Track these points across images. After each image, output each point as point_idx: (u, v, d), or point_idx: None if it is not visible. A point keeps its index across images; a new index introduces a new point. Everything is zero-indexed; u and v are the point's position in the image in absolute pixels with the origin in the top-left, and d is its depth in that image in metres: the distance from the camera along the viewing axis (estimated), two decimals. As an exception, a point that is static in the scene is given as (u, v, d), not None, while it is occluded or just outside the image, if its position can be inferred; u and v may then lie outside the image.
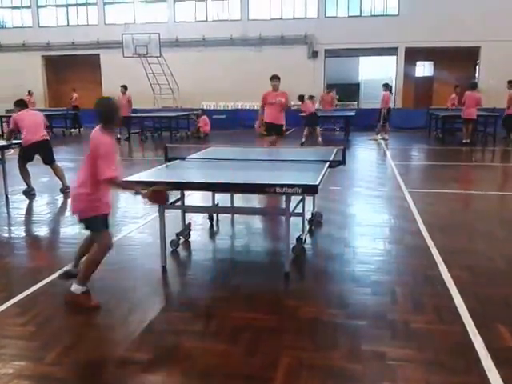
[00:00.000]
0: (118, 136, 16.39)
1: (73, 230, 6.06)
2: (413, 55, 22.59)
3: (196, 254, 5.45)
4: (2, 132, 18.09)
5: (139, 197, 4.09)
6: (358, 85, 25.77)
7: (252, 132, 18.05)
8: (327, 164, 5.22)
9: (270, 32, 22.42)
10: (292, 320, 3.77)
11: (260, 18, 23.13)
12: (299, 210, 5.42)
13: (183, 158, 5.89)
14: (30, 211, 7.56)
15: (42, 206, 7.81)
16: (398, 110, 20.40)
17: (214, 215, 6.57)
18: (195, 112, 18.70)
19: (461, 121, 15.24)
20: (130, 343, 3.46)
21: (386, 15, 22.19)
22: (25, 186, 8.29)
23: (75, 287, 4.04)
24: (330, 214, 6.71)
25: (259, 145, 14.52)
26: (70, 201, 4.33)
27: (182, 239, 5.60)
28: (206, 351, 3.34)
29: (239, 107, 22.64)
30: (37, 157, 8.39)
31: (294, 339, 3.48)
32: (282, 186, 4.21)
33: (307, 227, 6.03)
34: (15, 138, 8.54)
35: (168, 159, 5.76)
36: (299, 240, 5.33)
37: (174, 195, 5.61)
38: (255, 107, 21.43)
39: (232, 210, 6.75)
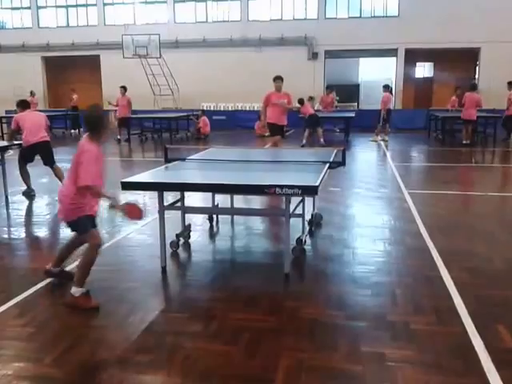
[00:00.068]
0: (118, 137, 16.43)
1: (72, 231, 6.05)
2: (413, 56, 22.62)
3: (196, 255, 5.44)
4: (2, 133, 18.08)
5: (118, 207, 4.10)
6: (357, 86, 25.78)
7: (252, 133, 18.16)
8: (327, 165, 5.22)
9: (270, 33, 22.44)
10: (292, 321, 3.77)
11: (260, 19, 23.16)
12: (299, 211, 5.42)
13: (183, 159, 5.88)
14: (29, 212, 7.56)
15: (41, 206, 7.80)
16: (397, 111, 20.42)
17: (214, 216, 6.57)
18: (195, 113, 18.70)
19: (461, 122, 15.25)
20: (129, 344, 3.46)
21: (386, 16, 22.22)
22: (25, 187, 8.30)
23: (74, 290, 4.06)
24: (330, 215, 6.71)
25: (259, 145, 14.55)
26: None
27: (181, 240, 5.60)
28: (206, 352, 3.34)
29: (239, 108, 22.67)
30: (37, 157, 8.39)
31: (293, 340, 3.47)
32: (281, 186, 4.20)
33: (307, 228, 6.03)
34: (15, 139, 8.55)
35: (168, 160, 5.76)
36: (299, 241, 5.33)
37: (174, 196, 5.63)
38: (255, 108, 21.52)
39: (232, 210, 6.76)
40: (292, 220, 4.86)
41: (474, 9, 20.38)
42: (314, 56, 22.62)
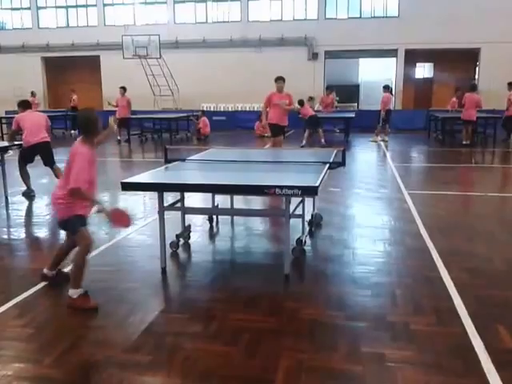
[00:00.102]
0: (118, 138, 16.42)
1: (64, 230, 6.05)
2: (413, 57, 22.63)
3: (196, 256, 5.44)
4: (1, 133, 18.08)
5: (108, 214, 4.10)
6: (357, 86, 25.80)
7: (252, 133, 18.16)
8: (327, 165, 5.22)
9: (270, 33, 22.46)
10: (292, 322, 3.77)
11: (260, 20, 23.18)
12: (299, 211, 5.42)
13: (183, 160, 5.88)
14: (29, 212, 7.56)
15: (41, 207, 7.80)
16: (397, 111, 20.43)
17: (214, 217, 6.57)
18: (195, 113, 18.70)
19: (461, 122, 15.25)
20: (129, 345, 3.45)
21: (386, 17, 22.24)
22: (24, 188, 8.30)
23: (71, 292, 4.08)
24: (330, 216, 6.71)
25: (259, 146, 14.55)
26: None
27: (181, 241, 5.61)
28: (206, 353, 3.34)
29: (239, 109, 22.68)
30: (37, 158, 8.39)
31: (293, 341, 3.47)
32: (281, 187, 4.20)
33: (307, 229, 6.03)
34: (15, 140, 8.54)
35: (168, 161, 5.76)
36: (299, 242, 5.33)
37: (173, 197, 5.63)
38: (255, 109, 21.53)
39: (232, 211, 6.76)
40: (292, 220, 4.86)
41: (473, 9, 20.40)
42: (313, 56, 22.63)
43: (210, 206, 6.40)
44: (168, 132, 17.56)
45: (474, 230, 6.23)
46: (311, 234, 6.06)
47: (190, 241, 5.78)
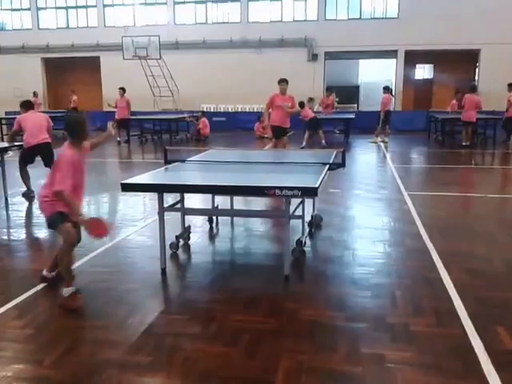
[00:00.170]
0: (118, 139, 16.42)
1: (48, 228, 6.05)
2: (412, 58, 22.65)
3: (195, 257, 5.44)
4: (1, 134, 18.07)
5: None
6: (357, 87, 25.82)
7: (251, 134, 18.17)
8: (327, 166, 5.22)
9: (270, 34, 22.47)
10: (292, 322, 3.77)
11: (260, 21, 23.19)
12: (299, 212, 5.42)
13: (183, 161, 5.88)
14: (29, 213, 7.56)
15: (41, 208, 7.79)
16: (397, 112, 20.43)
17: (214, 218, 6.57)
18: (195, 114, 18.69)
19: (460, 123, 15.25)
20: (129, 346, 3.45)
21: (386, 18, 22.25)
22: (24, 188, 8.29)
23: (63, 290, 4.13)
24: (330, 217, 6.71)
25: (259, 147, 14.55)
26: None
27: (181, 242, 5.61)
28: (206, 354, 3.34)
29: (239, 109, 22.68)
30: (37, 159, 8.39)
31: (293, 342, 3.47)
32: (281, 188, 4.20)
33: (307, 230, 6.03)
34: (15, 140, 8.54)
35: (168, 161, 5.76)
36: (299, 242, 5.33)
37: (173, 198, 5.63)
38: (255, 109, 21.53)
39: (232, 212, 6.76)
40: (292, 221, 4.86)
41: (473, 10, 20.41)
42: (313, 57, 22.64)
43: (209, 206, 6.41)
44: (168, 133, 17.56)
45: (474, 231, 6.23)
46: (311, 234, 6.06)
47: (189, 242, 5.78)
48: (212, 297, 4.33)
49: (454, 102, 17.56)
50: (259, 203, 7.59)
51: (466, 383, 3.00)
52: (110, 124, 4.82)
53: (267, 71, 20.94)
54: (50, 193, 4.08)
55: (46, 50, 24.77)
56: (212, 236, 6.24)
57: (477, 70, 22.40)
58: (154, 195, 4.98)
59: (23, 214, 7.50)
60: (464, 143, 14.80)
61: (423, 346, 3.38)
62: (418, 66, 24.48)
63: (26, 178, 8.33)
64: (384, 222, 6.68)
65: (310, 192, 4.40)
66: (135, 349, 3.41)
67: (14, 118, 8.62)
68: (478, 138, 16.04)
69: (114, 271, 4.88)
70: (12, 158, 9.21)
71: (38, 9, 25.21)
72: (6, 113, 20.42)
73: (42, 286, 4.45)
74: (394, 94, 18.32)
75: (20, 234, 6.43)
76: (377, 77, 24.01)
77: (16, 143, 8.42)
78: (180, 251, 5.45)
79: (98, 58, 24.27)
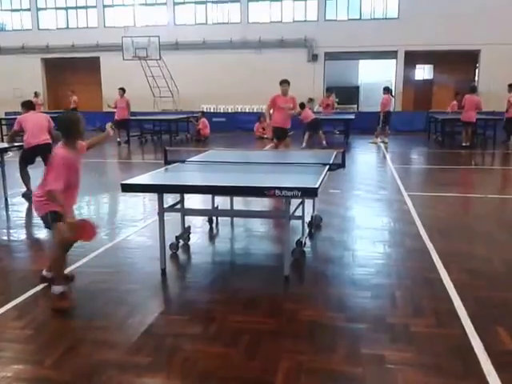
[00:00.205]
0: (118, 139, 16.41)
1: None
2: (412, 58, 22.65)
3: (195, 257, 5.44)
4: (1, 135, 18.07)
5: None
6: (357, 88, 25.82)
7: (251, 135, 18.17)
8: (327, 167, 5.22)
9: (270, 35, 22.47)
10: (291, 323, 3.77)
11: (260, 21, 23.19)
12: (299, 213, 5.42)
13: (183, 161, 5.88)
14: (29, 214, 7.54)
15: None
16: (397, 113, 20.42)
17: (214, 218, 6.57)
18: (195, 115, 18.69)
19: (460, 124, 15.25)
20: (129, 346, 3.45)
21: (386, 18, 22.25)
22: (24, 189, 8.29)
23: (53, 288, 4.14)
24: (330, 217, 6.71)
25: (258, 147, 14.55)
26: None
27: (181, 242, 5.61)
28: (206, 354, 3.34)
29: (239, 110, 22.68)
30: (38, 159, 8.38)
31: (293, 342, 3.47)
32: (281, 188, 4.20)
33: (307, 230, 6.03)
34: (15, 141, 8.53)
35: (167, 162, 5.76)
36: (299, 243, 5.33)
37: (173, 198, 5.63)
38: (255, 110, 21.53)
39: (231, 212, 6.76)
40: (292, 222, 4.85)
41: (473, 11, 20.41)
42: (313, 58, 22.64)
43: (209, 207, 6.41)
44: (168, 133, 17.56)
45: (474, 232, 6.23)
46: (311, 235, 6.06)
47: (189, 242, 5.77)
48: (212, 297, 4.33)
49: (455, 102, 17.57)
50: (259, 204, 7.59)
51: (465, 383, 3.00)
52: (108, 125, 4.82)
53: (267, 72, 20.95)
54: (43, 193, 4.09)
55: (45, 51, 24.77)
56: (212, 236, 6.24)
57: (477, 70, 22.40)
58: (154, 196, 4.98)
59: (23, 214, 7.50)
60: (464, 144, 14.80)
61: (423, 347, 3.38)
62: (417, 66, 24.48)
63: (26, 178, 8.32)
64: (384, 222, 6.68)
65: (309, 192, 4.40)
66: (135, 349, 3.41)
67: (14, 119, 8.61)
68: (478, 138, 16.04)
69: (113, 272, 4.88)
70: (12, 159, 9.21)
71: (38, 9, 25.21)
72: (6, 113, 20.41)
73: (41, 286, 4.45)
74: (393, 94, 18.32)
75: (20, 235, 6.43)
76: (377, 77, 24.01)
77: (16, 144, 8.41)
78: (180, 252, 5.45)
79: (98, 58, 24.27)
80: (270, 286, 4.54)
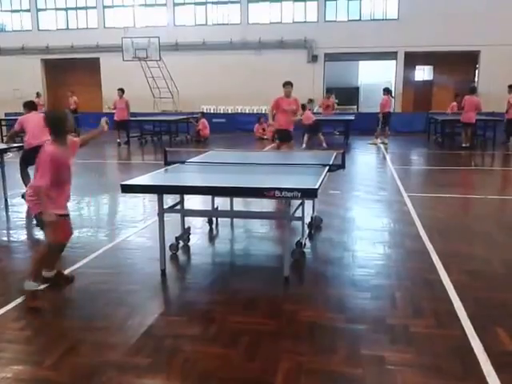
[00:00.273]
0: (118, 140, 16.40)
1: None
2: (412, 59, 22.66)
3: (195, 258, 5.44)
4: (1, 135, 18.07)
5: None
6: (357, 89, 25.83)
7: (251, 135, 18.17)
8: (327, 168, 5.22)
9: (270, 36, 22.48)
10: (291, 324, 3.77)
11: (260, 22, 23.20)
12: (299, 213, 5.42)
13: (183, 162, 5.89)
14: (29, 215, 7.54)
15: (41, 209, 7.78)
16: (397, 114, 20.43)
17: (214, 219, 6.57)
18: (195, 115, 18.68)
19: (460, 125, 15.26)
20: (128, 347, 3.45)
21: (386, 19, 22.25)
22: (24, 190, 8.27)
23: (26, 283, 4.11)
24: (330, 218, 6.71)
25: (258, 148, 14.55)
26: None
27: (181, 243, 5.60)
28: (205, 355, 3.34)
29: (239, 111, 22.69)
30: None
31: (293, 343, 3.47)
32: (281, 189, 4.20)
33: (307, 231, 6.03)
34: (14, 142, 8.53)
35: (167, 163, 5.76)
36: (299, 244, 5.33)
37: (173, 199, 5.63)
38: (255, 111, 21.56)
39: (231, 213, 6.76)
40: (292, 223, 4.85)
41: (473, 12, 20.42)
42: (313, 59, 22.65)
43: (209, 208, 6.41)
44: (168, 134, 17.55)
45: (474, 233, 6.23)
46: (311, 236, 6.06)
47: (189, 243, 5.77)
48: (211, 298, 4.33)
49: (454, 103, 17.57)
50: (259, 205, 7.59)
51: (465, 385, 3.00)
52: (103, 120, 4.80)
53: (267, 72, 20.98)
54: (33, 191, 4.10)
55: (45, 52, 24.78)
56: (212, 237, 6.24)
57: (476, 71, 22.41)
58: (154, 196, 4.98)
59: (23, 215, 7.49)
60: (464, 145, 14.81)
61: (423, 348, 3.38)
62: (417, 67, 24.48)
63: (26, 179, 8.30)
64: (384, 223, 6.68)
65: (309, 193, 4.40)
66: (135, 350, 3.41)
67: (14, 120, 8.60)
68: (478, 139, 16.05)
69: (113, 272, 4.87)
70: (12, 160, 9.21)
71: (38, 10, 25.23)
72: (6, 114, 20.40)
73: (42, 287, 4.45)
74: (393, 95, 18.33)
75: (20, 236, 6.43)
76: (376, 78, 24.03)
77: (15, 144, 8.40)
78: (180, 252, 5.45)
79: (98, 59, 24.28)
80: (270, 286, 4.54)
